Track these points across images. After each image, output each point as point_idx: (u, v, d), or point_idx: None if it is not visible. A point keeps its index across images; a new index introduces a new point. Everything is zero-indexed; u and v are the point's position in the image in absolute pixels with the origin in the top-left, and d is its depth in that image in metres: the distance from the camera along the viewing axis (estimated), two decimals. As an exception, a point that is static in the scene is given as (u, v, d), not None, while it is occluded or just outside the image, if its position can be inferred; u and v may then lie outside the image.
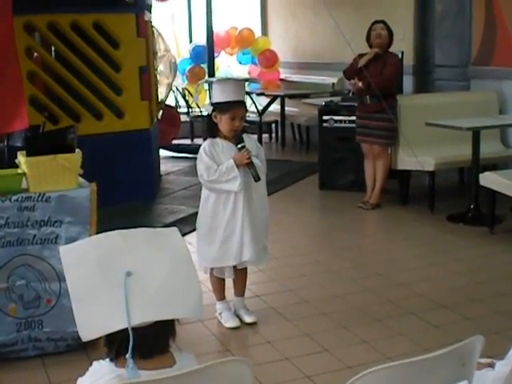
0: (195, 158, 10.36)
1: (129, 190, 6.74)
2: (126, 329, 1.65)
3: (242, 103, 4.01)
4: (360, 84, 6.62)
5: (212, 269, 4.13)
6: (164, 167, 8.72)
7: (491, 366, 2.14)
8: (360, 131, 6.81)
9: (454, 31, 8.01)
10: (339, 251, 5.57)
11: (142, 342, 1.69)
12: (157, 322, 1.71)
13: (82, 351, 3.73)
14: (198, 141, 10.89)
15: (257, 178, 3.91)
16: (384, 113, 6.46)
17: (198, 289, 1.82)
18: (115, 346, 1.73)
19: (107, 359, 1.78)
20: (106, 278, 1.69)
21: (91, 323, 1.68)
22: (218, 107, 3.94)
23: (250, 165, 3.89)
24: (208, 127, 4.07)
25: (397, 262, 5.33)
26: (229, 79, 4.26)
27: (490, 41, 7.26)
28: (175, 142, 9.84)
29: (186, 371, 1.60)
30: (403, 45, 8.07)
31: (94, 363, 1.81)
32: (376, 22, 6.74)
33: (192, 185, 7.88)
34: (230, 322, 4.12)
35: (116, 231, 1.81)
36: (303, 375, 3.49)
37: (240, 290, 4.28)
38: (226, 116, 3.90)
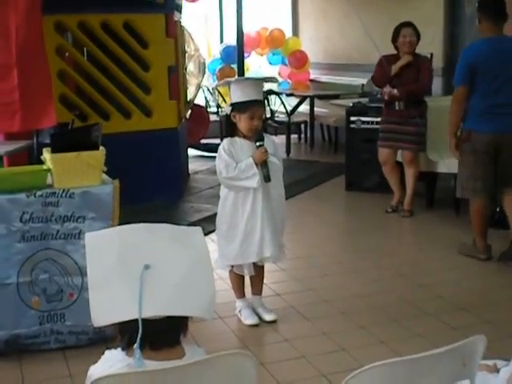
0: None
1: (156, 188, 6.82)
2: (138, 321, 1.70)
3: (261, 102, 4.06)
4: (395, 91, 6.52)
5: (232, 266, 4.18)
6: (192, 166, 8.80)
7: (493, 369, 2.16)
8: (386, 136, 6.70)
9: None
10: (362, 252, 5.58)
11: (153, 334, 1.74)
12: (169, 317, 1.76)
13: (103, 345, 3.78)
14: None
15: (267, 179, 3.96)
16: (416, 118, 6.41)
17: (212, 290, 1.87)
18: (127, 335, 1.79)
19: (119, 348, 1.84)
20: (124, 267, 1.75)
21: (104, 310, 1.75)
22: (236, 107, 3.99)
23: (263, 165, 3.94)
24: (227, 127, 4.12)
25: (419, 264, 5.33)
26: (247, 79, 4.32)
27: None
28: (204, 141, 9.91)
29: (190, 362, 1.65)
30: (432, 46, 8.06)
31: (106, 352, 1.88)
32: (404, 25, 6.55)
33: (219, 184, 7.91)
34: (249, 319, 4.17)
35: (141, 224, 1.88)
36: (319, 373, 3.52)
37: (257, 288, 4.32)
38: (245, 115, 3.95)
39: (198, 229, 1.97)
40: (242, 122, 3.98)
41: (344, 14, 10.31)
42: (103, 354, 1.90)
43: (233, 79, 4.24)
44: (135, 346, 1.73)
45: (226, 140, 4.05)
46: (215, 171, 8.76)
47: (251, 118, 3.95)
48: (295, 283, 4.89)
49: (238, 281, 4.25)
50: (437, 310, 4.34)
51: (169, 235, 1.90)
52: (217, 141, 10.80)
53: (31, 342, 3.75)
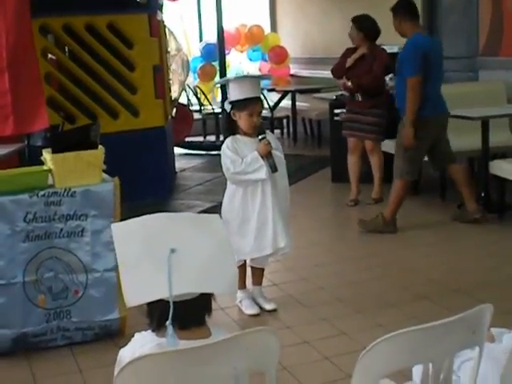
0: (208, 155, 10.50)
1: (146, 186, 6.89)
2: (166, 302, 1.81)
3: (259, 99, 4.16)
4: (349, 83, 6.75)
5: (245, 261, 4.27)
6: (178, 164, 8.88)
7: (491, 337, 2.27)
8: (349, 126, 6.92)
9: (461, 23, 8.12)
10: (352, 241, 5.71)
11: (181, 315, 1.85)
12: (195, 298, 1.87)
13: (110, 339, 3.90)
14: (210, 138, 11.07)
15: (274, 169, 4.06)
16: (376, 109, 6.68)
17: (234, 269, 2.02)
18: (156, 317, 1.91)
19: (149, 330, 1.94)
20: (151, 252, 1.87)
21: (136, 291, 1.85)
22: (236, 105, 4.09)
23: (269, 156, 4.05)
24: (228, 125, 4.23)
25: (410, 250, 5.46)
26: (245, 77, 4.43)
27: (498, 32, 7.36)
28: (188, 139, 10.00)
29: (218, 340, 1.75)
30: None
31: (136, 334, 1.99)
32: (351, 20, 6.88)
33: (206, 180, 8.06)
34: (250, 309, 4.27)
35: (163, 213, 2.01)
36: (323, 357, 3.64)
37: (258, 279, 4.43)
38: (245, 113, 4.06)
39: (216, 216, 2.09)
40: (242, 119, 4.08)
41: (322, 8, 10.44)
42: (133, 336, 2.00)
43: (232, 78, 4.35)
44: (167, 323, 1.83)
45: (228, 138, 4.16)
46: (201, 168, 8.97)
47: (250, 114, 4.05)
48: (290, 273, 5.00)
49: (240, 272, 4.35)
50: (431, 292, 4.47)
51: (189, 222, 2.03)
52: (200, 138, 10.94)
53: (39, 340, 3.82)
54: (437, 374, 1.87)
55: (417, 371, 2.16)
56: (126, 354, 1.93)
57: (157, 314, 1.91)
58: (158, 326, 1.92)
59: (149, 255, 1.87)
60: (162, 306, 1.85)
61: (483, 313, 1.87)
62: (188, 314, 1.89)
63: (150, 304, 1.93)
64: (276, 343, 1.84)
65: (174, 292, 1.82)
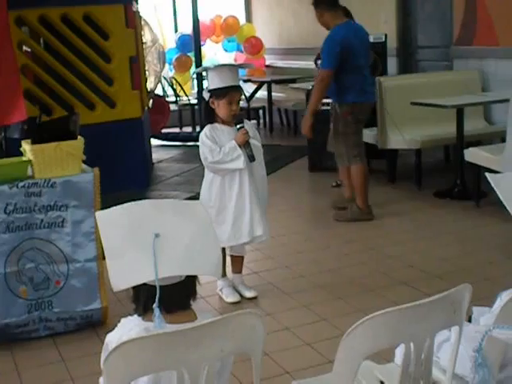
0: (185, 146, 10.48)
1: (123, 177, 6.88)
2: (152, 287, 1.84)
3: (238, 88, 4.18)
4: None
5: (223, 249, 4.29)
6: (155, 155, 8.87)
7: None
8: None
9: (435, 13, 8.20)
10: (331, 229, 5.76)
11: (167, 298, 1.88)
12: (180, 282, 1.90)
13: (92, 329, 3.92)
14: (186, 129, 11.07)
15: (252, 158, 4.09)
16: None
17: (218, 252, 2.04)
18: (142, 301, 1.94)
19: (135, 315, 1.97)
20: (136, 238, 1.90)
21: (123, 276, 1.88)
22: (214, 93, 4.11)
23: (246, 146, 4.07)
24: (206, 113, 4.24)
25: (388, 237, 5.52)
26: (224, 65, 4.43)
27: (471, 21, 7.44)
28: (165, 130, 9.99)
29: (205, 322, 1.78)
30: (386, 27, 8.26)
31: (123, 319, 2.01)
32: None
33: (183, 171, 8.08)
34: (230, 297, 4.31)
35: (145, 200, 2.05)
36: (303, 343, 3.68)
37: (238, 267, 4.46)
38: (223, 101, 4.08)
39: (198, 202, 2.13)
40: (221, 107, 4.09)
41: (297, -2, 10.46)
42: (118, 320, 2.02)
43: (211, 66, 4.36)
44: (154, 306, 1.86)
45: (206, 127, 4.17)
46: (178, 159, 8.96)
47: (229, 102, 4.07)
48: (270, 261, 5.04)
49: (221, 261, 4.38)
50: (409, 278, 4.53)
51: (173, 208, 2.05)
52: (176, 130, 10.94)
53: (21, 331, 3.82)
54: (418, 353, 1.91)
55: (400, 353, 2.20)
56: (113, 339, 1.96)
57: (143, 299, 1.94)
58: (144, 311, 1.95)
59: (134, 241, 1.91)
60: (147, 291, 1.88)
61: (463, 293, 1.92)
62: (173, 297, 1.93)
63: (135, 289, 1.95)
64: (261, 326, 1.88)
65: (160, 275, 1.84)
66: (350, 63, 5.72)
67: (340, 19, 5.80)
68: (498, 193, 2.20)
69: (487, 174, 2.28)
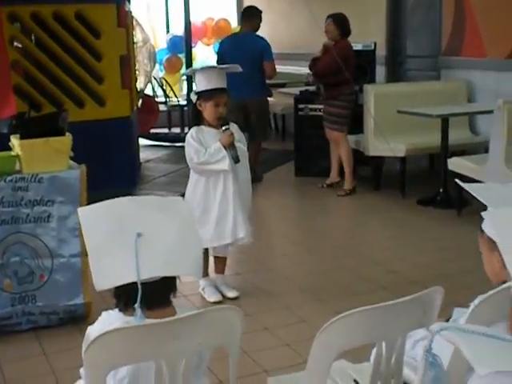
0: (173, 147, 10.49)
1: (110, 176, 6.89)
2: (133, 283, 1.88)
3: (225, 90, 4.22)
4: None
5: (206, 249, 4.35)
6: (143, 155, 8.90)
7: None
8: (323, 117, 7.26)
9: (424, 23, 8.29)
10: (317, 233, 5.82)
11: (148, 295, 1.91)
12: (161, 279, 1.94)
13: (74, 324, 3.95)
14: (175, 130, 11.11)
15: (236, 160, 4.14)
16: (335, 100, 6.95)
17: (200, 252, 2.09)
18: (123, 298, 1.97)
19: (116, 309, 2.01)
20: (118, 237, 1.93)
21: (105, 275, 1.91)
22: (202, 95, 4.16)
23: (231, 147, 4.12)
24: (193, 115, 4.29)
25: (371, 243, 5.60)
26: (212, 68, 4.48)
27: (460, 32, 7.54)
28: (153, 130, 10.03)
29: (184, 315, 1.84)
30: (376, 36, 8.34)
31: (104, 313, 2.05)
32: (327, 17, 7.11)
33: (171, 172, 8.12)
34: (212, 296, 4.36)
35: (127, 197, 2.06)
36: (282, 343, 3.75)
37: (221, 267, 4.52)
38: (210, 103, 4.13)
39: (180, 198, 2.17)
40: (208, 109, 4.14)
41: (289, 3, 10.52)
42: (100, 315, 2.06)
43: (198, 68, 4.41)
44: (136, 305, 1.89)
45: (193, 128, 4.22)
46: (166, 159, 8.99)
47: (216, 105, 4.12)
48: (255, 263, 5.10)
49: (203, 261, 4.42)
50: (390, 284, 4.60)
51: (154, 205, 2.08)
52: (165, 130, 10.97)
53: (4, 324, 3.85)
54: (390, 352, 1.98)
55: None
56: (93, 332, 1.99)
57: (124, 296, 1.97)
58: (125, 306, 1.98)
59: (116, 239, 1.93)
60: (128, 288, 1.90)
61: (434, 295, 1.99)
62: (154, 294, 1.95)
63: (117, 286, 1.98)
64: (239, 320, 1.94)
65: (142, 276, 1.88)
66: None
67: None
68: (479, 198, 2.23)
69: (457, 180, 2.33)
